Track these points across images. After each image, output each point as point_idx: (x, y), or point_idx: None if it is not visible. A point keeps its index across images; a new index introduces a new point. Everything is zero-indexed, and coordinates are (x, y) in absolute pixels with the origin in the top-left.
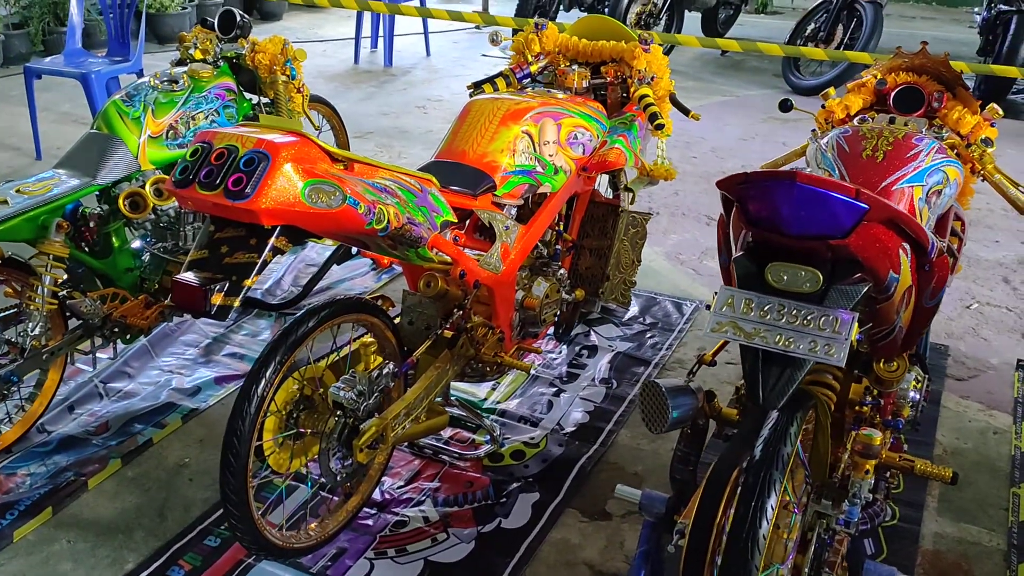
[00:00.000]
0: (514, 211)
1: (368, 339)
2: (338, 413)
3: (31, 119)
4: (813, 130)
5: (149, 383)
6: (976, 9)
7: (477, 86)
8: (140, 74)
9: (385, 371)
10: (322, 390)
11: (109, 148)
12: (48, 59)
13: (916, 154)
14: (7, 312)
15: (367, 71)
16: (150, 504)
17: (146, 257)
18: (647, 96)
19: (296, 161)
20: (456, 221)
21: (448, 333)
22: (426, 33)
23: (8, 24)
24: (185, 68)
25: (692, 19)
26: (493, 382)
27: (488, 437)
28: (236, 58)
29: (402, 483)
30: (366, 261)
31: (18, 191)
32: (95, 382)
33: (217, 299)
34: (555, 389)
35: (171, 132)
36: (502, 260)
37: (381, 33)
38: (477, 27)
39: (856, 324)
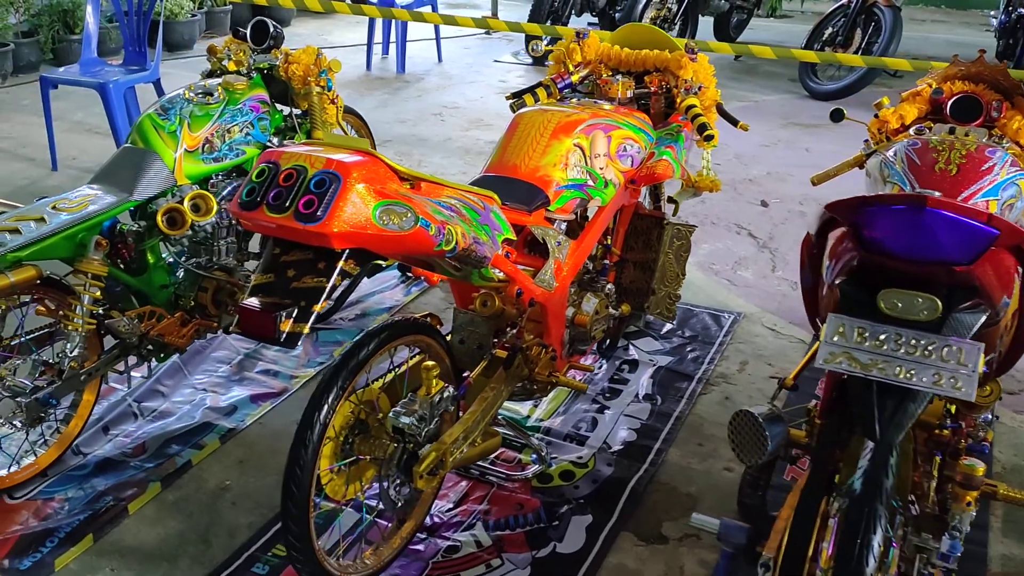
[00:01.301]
0: (563, 226)
1: (430, 362)
2: (397, 439)
3: (47, 129)
4: (866, 140)
5: (183, 401)
6: (992, 12)
7: (516, 96)
8: (157, 83)
9: (445, 395)
10: (381, 415)
11: (145, 163)
12: (62, 69)
13: (991, 167)
14: (39, 332)
15: (380, 78)
16: (193, 530)
17: (180, 273)
18: (695, 106)
19: (367, 181)
20: (515, 239)
21: (501, 352)
22: (438, 39)
23: (17, 32)
24: (218, 80)
25: (705, 23)
26: (535, 399)
27: (534, 456)
28: (269, 69)
29: (450, 506)
30: (394, 273)
31: (55, 208)
32: (129, 401)
33: (286, 326)
34: (598, 406)
35: (207, 146)
36: (555, 277)
37: (392, 39)
38: (487, 32)
39: (982, 355)
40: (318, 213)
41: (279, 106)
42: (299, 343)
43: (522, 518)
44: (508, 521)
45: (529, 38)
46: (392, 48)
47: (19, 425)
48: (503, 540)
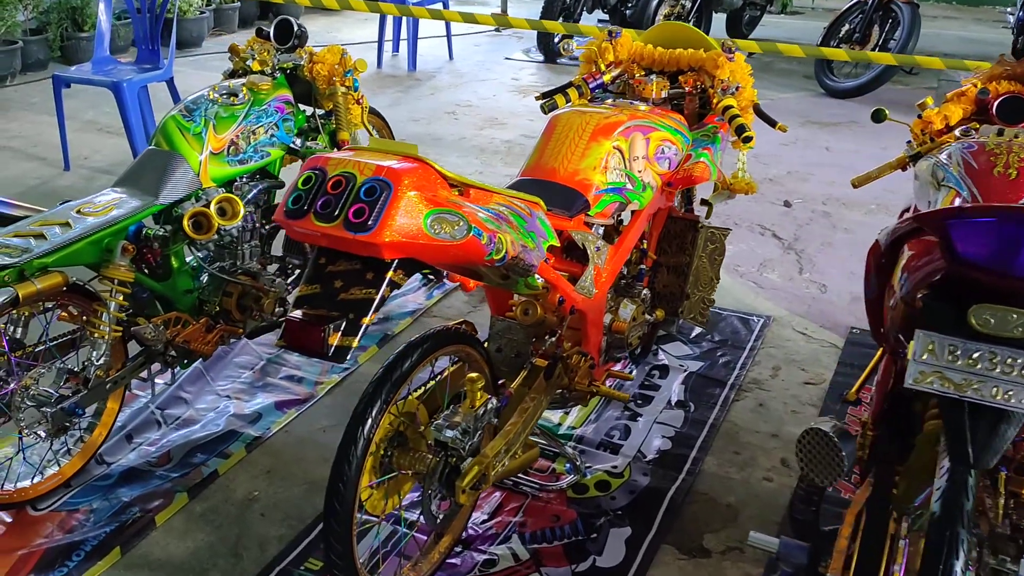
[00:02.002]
0: (600, 230)
1: (474, 374)
2: (438, 452)
3: (60, 129)
4: (908, 142)
5: (207, 408)
6: (1009, 9)
7: (547, 96)
8: (170, 82)
9: (489, 407)
10: (423, 428)
11: (171, 165)
12: (74, 68)
13: None
14: (62, 339)
15: (391, 76)
16: (223, 542)
17: (204, 278)
18: (732, 107)
19: (418, 189)
20: (560, 245)
21: (541, 361)
22: (449, 36)
23: (25, 30)
24: (242, 80)
25: (717, 20)
26: (567, 407)
27: (568, 466)
28: (293, 69)
29: (485, 517)
30: (416, 276)
31: (79, 212)
32: (151, 408)
33: (334, 339)
34: (630, 413)
35: (232, 148)
36: (595, 284)
37: (403, 36)
38: (497, 30)
39: None
40: (369, 222)
41: (302, 106)
42: (348, 357)
43: (559, 530)
44: (545, 533)
45: (541, 35)
46: (403, 45)
47: (43, 435)
48: (541, 553)
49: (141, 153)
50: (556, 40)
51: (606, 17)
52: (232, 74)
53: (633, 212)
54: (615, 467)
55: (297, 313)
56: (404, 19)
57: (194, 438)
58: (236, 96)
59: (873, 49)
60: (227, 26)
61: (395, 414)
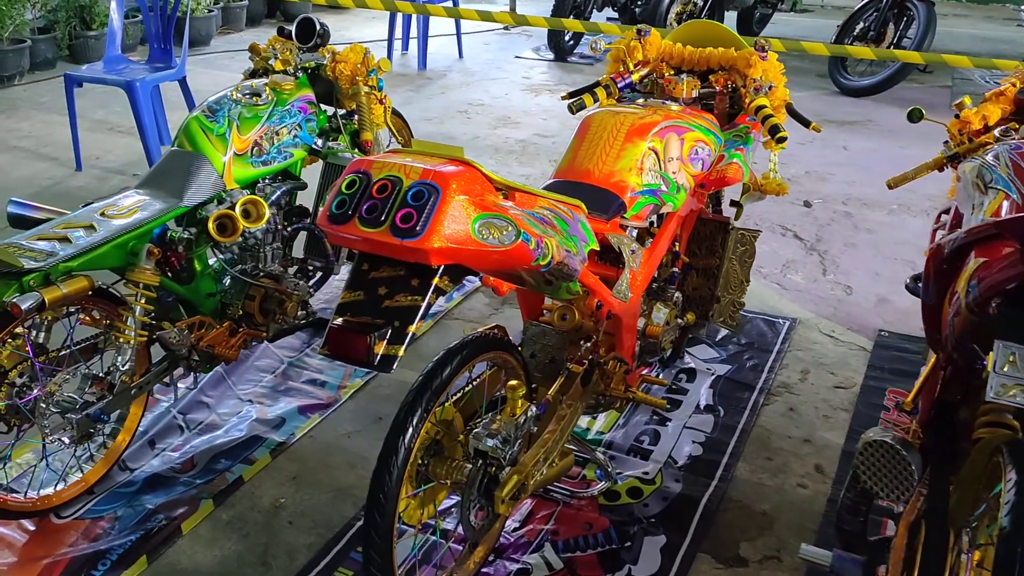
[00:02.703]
0: (634, 232)
1: (514, 381)
2: (477, 461)
3: (72, 129)
4: (945, 142)
5: (229, 413)
6: (1022, 7)
7: (574, 96)
8: (183, 81)
9: (529, 415)
10: (461, 436)
11: (194, 167)
12: (85, 67)
13: None
14: (83, 344)
15: (402, 74)
16: (251, 551)
17: (227, 281)
18: (765, 107)
19: (466, 193)
20: (599, 249)
21: (578, 367)
22: (459, 34)
23: (33, 28)
24: (264, 80)
25: (728, 18)
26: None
27: (599, 472)
28: (316, 68)
29: (516, 525)
30: None
31: (103, 214)
32: (173, 413)
33: (379, 348)
34: (658, 417)
35: (255, 149)
36: (630, 287)
37: (413, 35)
38: (506, 28)
39: None
40: (417, 228)
41: (323, 106)
42: (394, 366)
43: (592, 539)
44: (578, 542)
45: (552, 34)
46: (412, 44)
47: (67, 441)
48: (575, 562)
49: (164, 154)
50: (568, 39)
51: (615, 15)
52: (253, 73)
53: (666, 214)
54: (646, 473)
55: (339, 320)
56: (414, 17)
57: (217, 443)
58: (259, 96)
59: (888, 47)
60: (235, 24)
61: (432, 422)
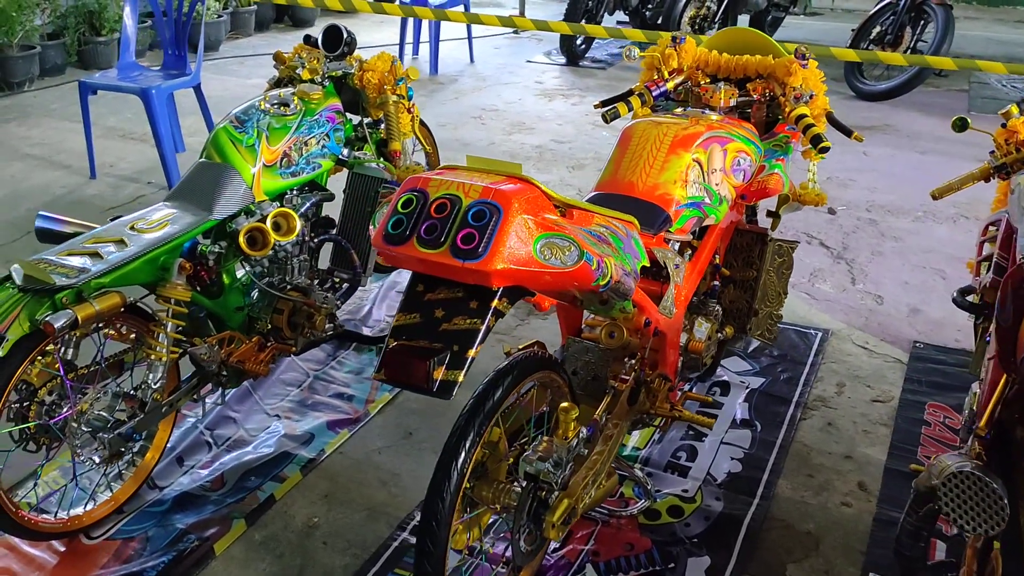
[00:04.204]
0: (676, 246)
1: (566, 403)
2: (527, 485)
3: (86, 136)
4: (992, 152)
5: (257, 429)
6: None
7: (608, 104)
8: (197, 88)
9: (581, 436)
10: (511, 459)
11: (224, 179)
12: (99, 74)
13: None
14: (109, 361)
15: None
16: (285, 573)
17: (255, 295)
18: (806, 116)
19: (527, 212)
20: (650, 265)
21: (624, 386)
22: (470, 39)
23: (43, 35)
24: (291, 89)
25: (741, 21)
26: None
27: (636, 490)
28: (343, 77)
29: (556, 545)
30: None
31: (133, 228)
32: (200, 429)
33: (439, 373)
34: (694, 432)
35: (284, 160)
36: (675, 303)
37: (424, 39)
38: (515, 31)
39: None
40: (479, 249)
41: (348, 115)
42: (454, 392)
43: (634, 559)
44: (620, 563)
45: (564, 38)
46: (423, 48)
47: (97, 460)
48: None
49: (192, 166)
50: (580, 42)
51: (626, 19)
52: (278, 82)
53: (707, 226)
54: (686, 491)
55: (398, 344)
56: (424, 21)
57: (247, 460)
58: (288, 106)
59: (905, 51)
60: (244, 29)
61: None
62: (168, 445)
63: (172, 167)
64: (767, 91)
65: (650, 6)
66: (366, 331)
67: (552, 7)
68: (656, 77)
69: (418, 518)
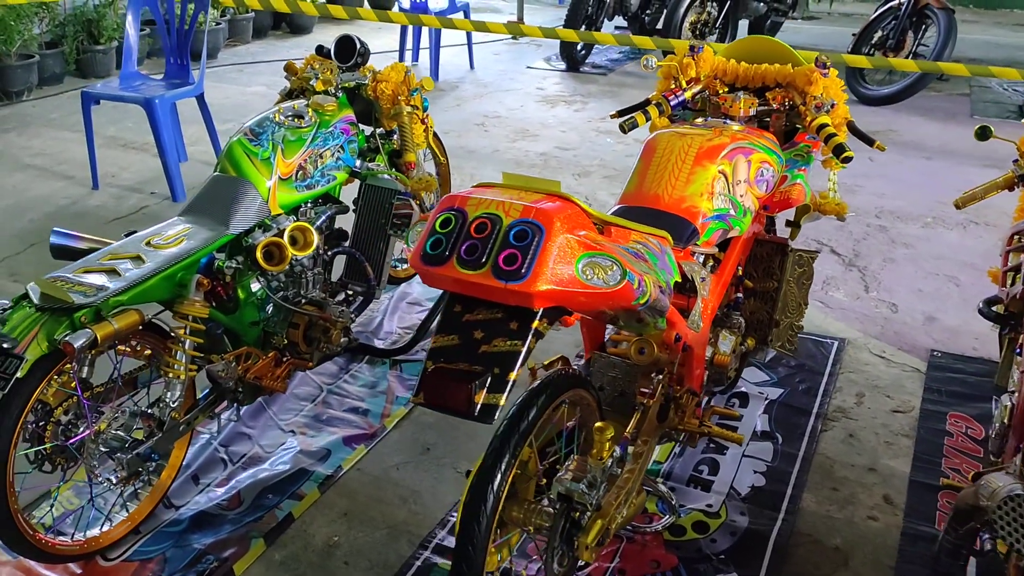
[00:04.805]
0: (700, 258)
1: (601, 423)
2: (560, 506)
3: (89, 146)
4: (1016, 160)
5: (272, 445)
6: None
7: (624, 114)
8: (200, 98)
9: (616, 456)
10: (543, 480)
11: (239, 193)
12: (100, 84)
13: None
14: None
15: None
16: None
17: (270, 309)
18: (827, 125)
19: (569, 231)
20: (682, 281)
21: (654, 402)
22: (470, 45)
23: (41, 43)
24: (304, 101)
25: (741, 27)
26: None
27: (660, 505)
28: (357, 88)
29: (580, 563)
30: None
31: (149, 244)
32: (214, 445)
33: (480, 397)
34: (715, 445)
35: (300, 173)
36: (702, 317)
37: (423, 45)
38: (513, 38)
39: None
40: (522, 270)
41: (360, 126)
42: (496, 416)
43: None
44: None
45: (564, 44)
46: (423, 55)
47: (113, 480)
48: None
49: (207, 179)
50: (580, 48)
51: (624, 24)
52: (289, 94)
53: (731, 238)
54: (710, 506)
55: (436, 367)
56: (423, 28)
57: (263, 477)
58: (302, 118)
59: (907, 56)
60: (241, 36)
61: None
62: (183, 463)
63: (176, 177)
64: (786, 100)
65: (649, 11)
66: (378, 343)
67: (549, 12)
68: (673, 86)
69: (440, 536)
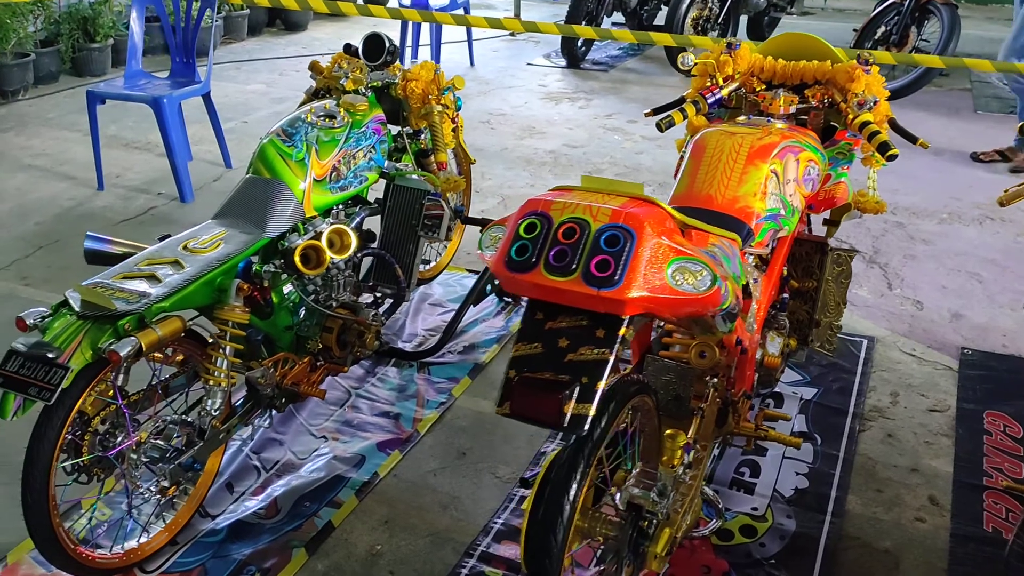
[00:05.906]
0: (751, 259)
1: (671, 430)
2: (629, 515)
3: (94, 147)
4: None
5: (305, 451)
6: None
7: (660, 112)
8: (207, 96)
9: (686, 461)
10: (614, 489)
11: (274, 195)
12: (104, 83)
13: None
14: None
15: None
16: None
17: (303, 313)
18: (870, 123)
19: (660, 236)
20: (747, 284)
21: (713, 407)
22: (470, 42)
23: (36, 42)
24: (334, 100)
25: (741, 22)
26: None
27: (707, 509)
28: (385, 87)
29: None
30: (491, 299)
31: (186, 248)
32: (246, 452)
33: (569, 407)
34: (754, 447)
35: (334, 174)
36: (756, 319)
37: (423, 42)
38: (512, 34)
39: None
40: (615, 277)
41: (389, 125)
42: (586, 427)
43: None
44: None
45: (565, 40)
46: (423, 52)
47: (153, 490)
48: None
49: (240, 181)
50: (580, 45)
51: (622, 21)
52: (315, 93)
53: (779, 239)
54: (755, 509)
55: (522, 376)
56: (423, 25)
57: (298, 485)
58: (334, 118)
59: (910, 51)
60: (237, 34)
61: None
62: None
63: (184, 178)
64: (826, 97)
65: (647, 7)
66: (403, 345)
67: (544, 9)
68: (710, 84)
69: (485, 543)
